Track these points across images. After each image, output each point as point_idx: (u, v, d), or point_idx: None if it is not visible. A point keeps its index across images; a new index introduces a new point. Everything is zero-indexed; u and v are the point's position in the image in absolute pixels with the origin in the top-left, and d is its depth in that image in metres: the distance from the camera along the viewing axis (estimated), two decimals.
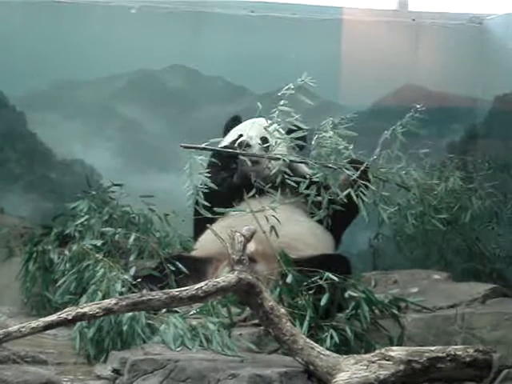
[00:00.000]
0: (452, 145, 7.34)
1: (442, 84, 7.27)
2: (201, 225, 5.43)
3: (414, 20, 7.35)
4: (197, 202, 5.36)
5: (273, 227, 5.14)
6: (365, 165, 5.49)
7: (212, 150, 5.50)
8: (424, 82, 7.27)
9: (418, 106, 5.60)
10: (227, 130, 5.97)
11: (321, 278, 4.89)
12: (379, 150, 5.67)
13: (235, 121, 6.00)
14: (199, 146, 5.39)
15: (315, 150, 5.47)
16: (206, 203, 5.26)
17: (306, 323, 4.76)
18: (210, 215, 5.27)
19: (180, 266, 5.25)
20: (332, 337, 4.72)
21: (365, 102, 7.26)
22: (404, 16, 7.38)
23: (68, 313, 4.17)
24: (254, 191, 5.34)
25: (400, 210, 5.67)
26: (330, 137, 5.40)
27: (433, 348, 4.20)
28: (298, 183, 5.37)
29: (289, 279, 4.89)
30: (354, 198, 5.28)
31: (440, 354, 4.14)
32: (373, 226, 5.85)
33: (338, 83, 7.26)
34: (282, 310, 4.30)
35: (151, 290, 4.73)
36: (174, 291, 4.25)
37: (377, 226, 5.85)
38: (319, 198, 5.38)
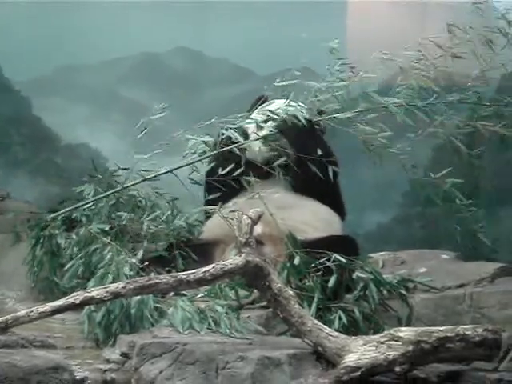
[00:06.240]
0: (458, 124, 7.30)
1: (449, 63, 7.23)
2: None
3: None
4: (205, 189, 5.37)
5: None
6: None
7: None
8: (430, 60, 7.23)
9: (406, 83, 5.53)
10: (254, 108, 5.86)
11: (328, 260, 4.88)
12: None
13: (262, 100, 5.90)
14: None
15: None
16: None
17: (314, 305, 4.75)
18: (216, 207, 5.26)
19: (187, 249, 5.25)
20: (340, 318, 4.72)
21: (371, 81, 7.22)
22: None
23: (76, 297, 4.17)
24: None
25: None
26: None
27: (442, 328, 4.18)
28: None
29: (296, 261, 4.89)
30: None
31: (449, 334, 4.13)
32: (380, 207, 5.84)
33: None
34: (290, 292, 4.29)
35: (159, 273, 4.73)
36: (182, 274, 4.24)
37: (383, 207, 5.83)
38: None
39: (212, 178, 5.40)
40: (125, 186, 5.50)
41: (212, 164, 5.45)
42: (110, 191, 5.51)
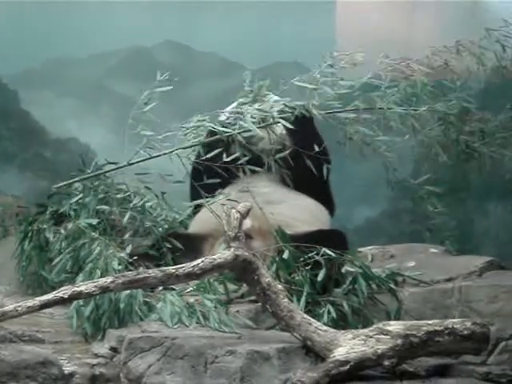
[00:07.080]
0: (446, 118, 7.31)
1: (438, 58, 7.24)
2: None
3: None
4: (193, 179, 5.33)
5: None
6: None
7: None
8: (419, 56, 7.24)
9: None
10: None
11: (317, 254, 4.88)
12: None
13: None
14: None
15: None
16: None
17: (303, 299, 4.76)
18: (206, 194, 5.24)
19: (176, 243, 5.24)
20: (329, 312, 4.72)
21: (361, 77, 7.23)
22: None
23: (64, 291, 4.17)
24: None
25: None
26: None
27: (430, 322, 4.20)
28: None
29: (285, 255, 4.89)
30: None
31: (438, 328, 4.14)
32: (370, 202, 5.84)
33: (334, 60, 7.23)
34: (279, 286, 4.30)
35: (147, 267, 4.72)
36: (171, 269, 4.24)
37: (373, 202, 5.84)
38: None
39: (201, 165, 5.36)
40: (131, 162, 5.48)
41: (201, 151, 5.41)
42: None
